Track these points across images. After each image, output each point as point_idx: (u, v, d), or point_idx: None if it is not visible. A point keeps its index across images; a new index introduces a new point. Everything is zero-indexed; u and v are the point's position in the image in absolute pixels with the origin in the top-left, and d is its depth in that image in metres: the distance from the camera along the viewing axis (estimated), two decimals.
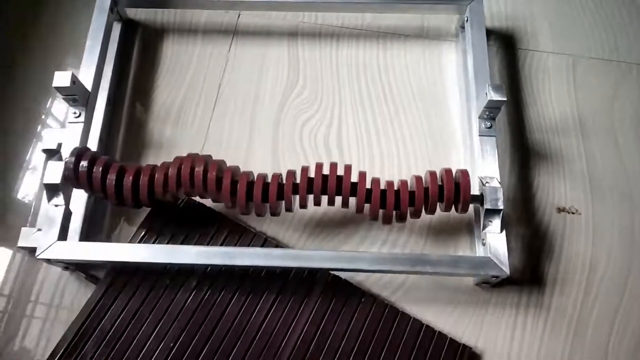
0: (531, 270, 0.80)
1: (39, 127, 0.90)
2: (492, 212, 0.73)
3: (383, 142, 0.88)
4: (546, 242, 0.82)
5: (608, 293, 0.79)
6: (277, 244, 0.80)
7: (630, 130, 0.89)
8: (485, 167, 0.78)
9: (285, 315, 0.74)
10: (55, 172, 0.73)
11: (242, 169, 0.77)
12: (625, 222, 0.83)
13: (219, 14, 0.97)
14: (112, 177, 0.72)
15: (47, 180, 0.73)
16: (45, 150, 0.78)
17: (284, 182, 0.74)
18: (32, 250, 0.75)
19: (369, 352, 0.73)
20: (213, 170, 0.73)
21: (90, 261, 0.74)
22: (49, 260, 0.75)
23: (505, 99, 0.76)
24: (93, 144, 0.82)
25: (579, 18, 0.98)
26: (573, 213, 0.84)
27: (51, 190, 0.74)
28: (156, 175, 0.73)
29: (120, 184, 0.73)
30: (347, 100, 0.91)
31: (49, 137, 0.78)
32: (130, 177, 0.72)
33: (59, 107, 0.91)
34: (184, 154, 0.76)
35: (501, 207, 0.72)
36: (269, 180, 0.74)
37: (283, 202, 0.75)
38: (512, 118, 0.89)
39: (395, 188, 0.74)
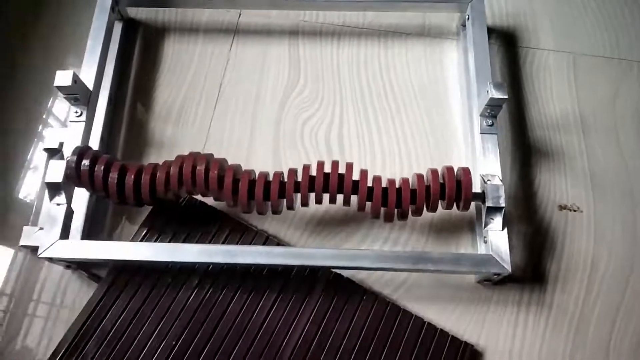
0: (533, 268, 0.80)
1: (40, 127, 0.90)
2: (493, 210, 0.73)
3: (384, 140, 0.88)
4: (548, 240, 0.81)
5: (610, 291, 0.79)
6: (279, 242, 0.80)
7: (632, 128, 0.89)
8: (486, 164, 0.78)
9: (286, 313, 0.74)
10: (57, 171, 0.73)
11: (244, 167, 0.77)
12: (626, 220, 0.83)
13: (220, 13, 0.97)
14: (113, 176, 0.72)
15: (48, 179, 0.73)
16: (46, 150, 0.78)
17: (286, 180, 0.74)
18: (34, 249, 0.75)
19: (370, 350, 0.73)
20: (215, 168, 0.73)
21: (92, 260, 0.74)
22: (50, 259, 0.75)
23: (506, 96, 0.76)
24: (94, 143, 0.83)
25: (580, 16, 0.98)
26: (574, 210, 0.84)
27: (53, 189, 0.74)
28: (158, 174, 0.73)
29: (122, 182, 0.73)
30: (348, 99, 0.91)
31: (50, 136, 0.78)
32: (132, 176, 0.73)
33: (60, 106, 0.91)
34: (186, 153, 0.76)
35: (503, 204, 0.72)
36: (271, 178, 0.74)
37: (284, 200, 0.75)
38: (513, 116, 0.89)
39: (397, 186, 0.74)
